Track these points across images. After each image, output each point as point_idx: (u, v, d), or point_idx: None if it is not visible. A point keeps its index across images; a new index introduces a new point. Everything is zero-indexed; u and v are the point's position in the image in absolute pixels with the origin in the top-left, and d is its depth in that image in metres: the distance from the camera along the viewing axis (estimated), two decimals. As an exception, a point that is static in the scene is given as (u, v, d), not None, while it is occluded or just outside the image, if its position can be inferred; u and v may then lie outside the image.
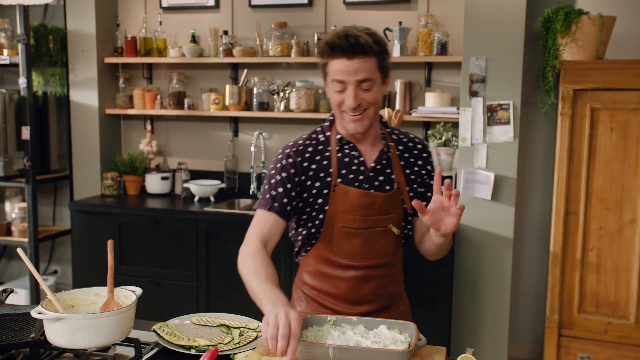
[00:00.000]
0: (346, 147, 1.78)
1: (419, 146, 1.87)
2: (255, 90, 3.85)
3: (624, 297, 3.12)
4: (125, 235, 3.68)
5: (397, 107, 3.59)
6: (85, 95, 4.07)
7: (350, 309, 1.79)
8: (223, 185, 3.92)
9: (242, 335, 1.64)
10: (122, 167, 4.06)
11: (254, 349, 1.53)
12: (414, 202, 1.56)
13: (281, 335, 1.32)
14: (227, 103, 3.87)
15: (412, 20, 3.61)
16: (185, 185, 3.93)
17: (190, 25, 4.03)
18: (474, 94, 3.26)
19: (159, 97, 4.04)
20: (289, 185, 1.74)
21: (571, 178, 3.15)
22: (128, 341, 1.52)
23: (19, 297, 4.00)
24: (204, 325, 1.72)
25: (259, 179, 3.88)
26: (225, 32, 3.89)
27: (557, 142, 3.17)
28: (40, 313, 1.41)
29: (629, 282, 3.11)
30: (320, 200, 1.75)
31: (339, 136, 1.78)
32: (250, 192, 3.88)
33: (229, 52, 3.84)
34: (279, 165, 1.77)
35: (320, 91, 3.75)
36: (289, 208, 1.74)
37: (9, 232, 4.11)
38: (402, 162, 1.81)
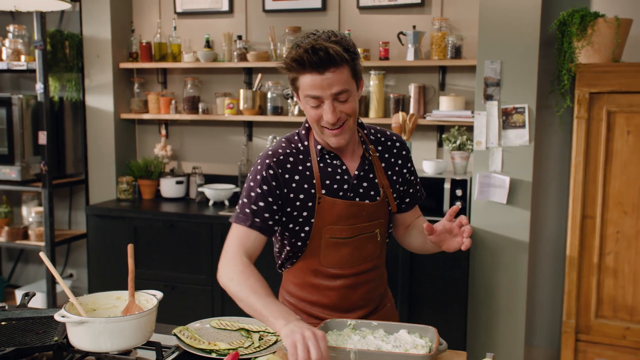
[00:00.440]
0: (327, 156, 1.70)
1: (397, 144, 1.81)
2: (269, 95, 3.87)
3: (642, 301, 3.10)
4: (141, 239, 3.70)
5: (412, 111, 3.59)
6: (100, 100, 4.11)
7: (342, 317, 1.73)
8: (237, 189, 3.93)
9: (262, 339, 1.64)
10: (137, 171, 4.08)
11: (274, 352, 1.54)
12: (426, 226, 1.56)
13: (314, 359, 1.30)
14: (241, 107, 3.88)
15: (426, 24, 3.61)
16: (200, 189, 3.94)
17: (204, 30, 4.05)
18: (488, 97, 3.25)
19: (173, 101, 4.07)
20: (270, 199, 1.64)
21: (587, 182, 3.13)
22: (149, 345, 1.53)
23: (35, 301, 4.03)
24: (224, 329, 1.73)
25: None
26: (240, 37, 3.91)
27: (573, 146, 3.15)
28: (63, 316, 1.42)
29: (646, 287, 3.09)
30: (305, 213, 1.67)
31: (319, 146, 1.69)
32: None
33: (243, 57, 3.86)
34: (258, 177, 1.66)
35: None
36: (271, 223, 1.65)
37: (25, 236, 4.14)
38: (383, 164, 1.76)
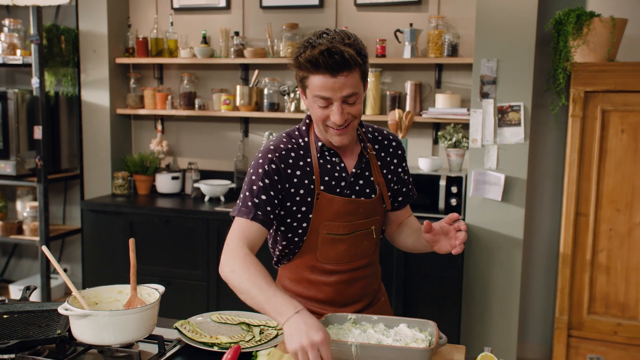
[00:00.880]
0: (327, 153, 1.73)
1: (394, 143, 1.85)
2: (265, 91, 3.87)
3: (634, 298, 3.14)
4: (136, 235, 3.70)
5: (408, 108, 3.61)
6: (96, 95, 4.10)
7: (338, 311, 1.76)
8: (233, 185, 3.94)
9: (263, 333, 1.66)
10: (133, 166, 4.08)
11: (275, 346, 1.55)
12: (426, 223, 1.59)
13: None
14: (237, 103, 3.89)
15: (422, 21, 3.63)
16: (196, 185, 3.95)
17: (201, 26, 4.05)
18: (484, 95, 3.28)
19: (169, 97, 4.07)
20: (272, 193, 1.66)
21: (581, 179, 3.16)
22: (151, 338, 1.54)
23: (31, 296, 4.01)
24: (224, 323, 1.74)
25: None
26: (237, 33, 3.92)
27: (567, 144, 3.19)
28: (67, 309, 1.43)
29: (638, 284, 3.12)
30: (303, 209, 1.70)
31: (319, 143, 1.72)
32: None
33: (239, 53, 3.86)
34: (260, 170, 1.67)
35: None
36: (272, 216, 1.66)
37: (20, 231, 4.14)
38: (379, 163, 1.80)
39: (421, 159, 3.47)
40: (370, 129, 1.84)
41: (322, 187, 1.70)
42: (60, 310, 1.43)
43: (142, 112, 4.11)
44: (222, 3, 3.99)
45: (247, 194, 1.67)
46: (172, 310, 3.45)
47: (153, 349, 1.54)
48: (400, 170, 1.85)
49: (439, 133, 3.57)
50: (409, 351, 1.41)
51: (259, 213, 1.64)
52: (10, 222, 4.13)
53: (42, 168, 3.85)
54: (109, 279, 3.52)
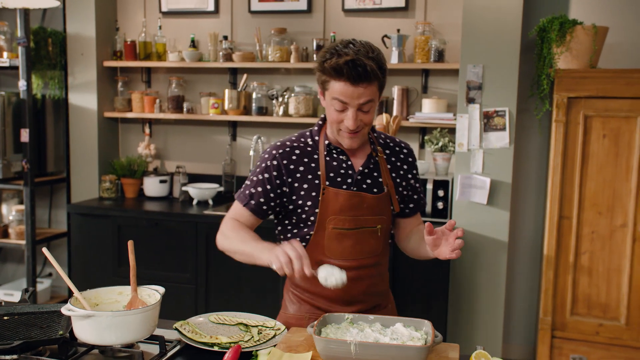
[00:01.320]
0: (334, 151, 1.82)
1: (405, 150, 1.93)
2: (254, 95, 3.90)
3: (615, 299, 3.22)
4: (124, 238, 3.70)
5: (395, 112, 3.66)
6: (84, 98, 4.10)
7: (343, 309, 1.82)
8: (221, 188, 3.96)
9: (261, 333, 1.69)
10: (120, 170, 4.08)
11: (275, 346, 1.58)
12: (427, 224, 1.64)
13: (294, 257, 1.53)
14: (226, 107, 3.91)
15: (409, 27, 3.69)
16: (184, 188, 3.96)
17: (189, 30, 4.07)
18: (470, 100, 3.34)
19: (157, 100, 4.08)
20: (268, 187, 1.79)
21: (565, 183, 3.24)
22: (152, 339, 1.57)
23: (15, 300, 3.99)
24: (222, 323, 1.77)
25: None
26: (225, 37, 3.94)
27: (551, 148, 3.26)
28: (70, 310, 1.45)
29: (619, 285, 3.20)
30: (309, 203, 1.78)
31: (327, 141, 1.82)
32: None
33: (228, 57, 3.89)
34: (263, 164, 1.81)
35: (318, 96, 3.80)
36: (264, 207, 1.81)
37: (5, 235, 4.11)
38: (389, 166, 1.87)
39: (408, 163, 3.52)
40: (382, 136, 1.93)
41: (327, 182, 1.78)
42: (64, 310, 1.45)
43: (129, 115, 4.11)
44: (211, 7, 4.01)
45: (248, 183, 1.84)
46: (161, 312, 3.45)
47: (154, 349, 1.56)
48: (410, 176, 1.92)
49: (426, 137, 3.63)
50: (406, 349, 1.45)
51: (252, 202, 1.82)
52: (-4, 226, 4.11)
53: (28, 171, 3.83)
54: (96, 282, 3.51)
